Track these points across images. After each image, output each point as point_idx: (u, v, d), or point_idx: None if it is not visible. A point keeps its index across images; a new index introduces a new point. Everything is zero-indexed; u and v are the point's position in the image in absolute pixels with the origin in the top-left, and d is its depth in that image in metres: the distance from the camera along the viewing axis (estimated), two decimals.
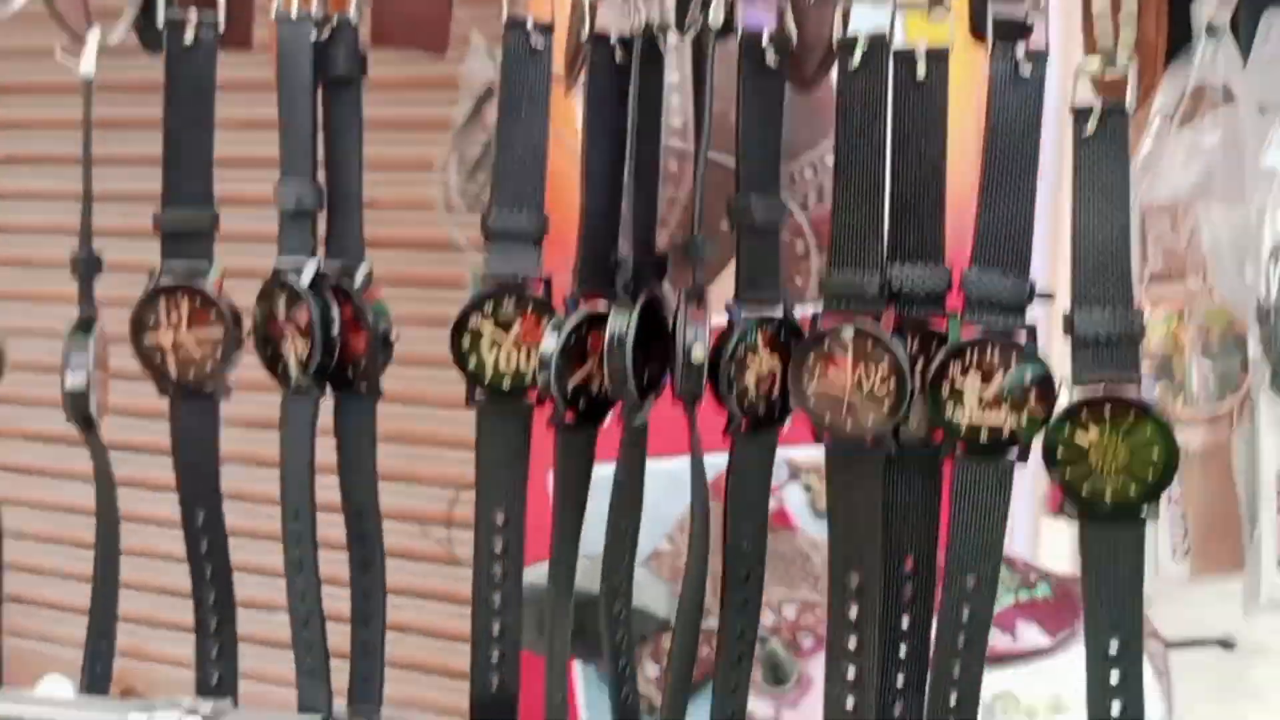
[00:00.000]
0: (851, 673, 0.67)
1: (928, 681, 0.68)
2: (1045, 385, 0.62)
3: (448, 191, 3.01)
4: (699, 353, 0.63)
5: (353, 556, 0.74)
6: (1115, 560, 0.63)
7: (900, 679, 0.69)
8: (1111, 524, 0.63)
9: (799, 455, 2.71)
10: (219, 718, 0.71)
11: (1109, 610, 0.64)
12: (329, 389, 0.72)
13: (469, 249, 2.98)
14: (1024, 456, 0.64)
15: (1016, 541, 2.45)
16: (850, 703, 0.68)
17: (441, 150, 3.01)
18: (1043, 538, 2.38)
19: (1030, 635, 1.87)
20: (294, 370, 0.69)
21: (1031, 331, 0.62)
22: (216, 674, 0.76)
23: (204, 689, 0.76)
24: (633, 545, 0.71)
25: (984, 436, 0.63)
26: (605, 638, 0.71)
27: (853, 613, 0.67)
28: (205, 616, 0.75)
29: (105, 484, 0.74)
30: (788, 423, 0.68)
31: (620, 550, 0.70)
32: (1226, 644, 2.35)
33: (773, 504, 2.47)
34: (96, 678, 0.76)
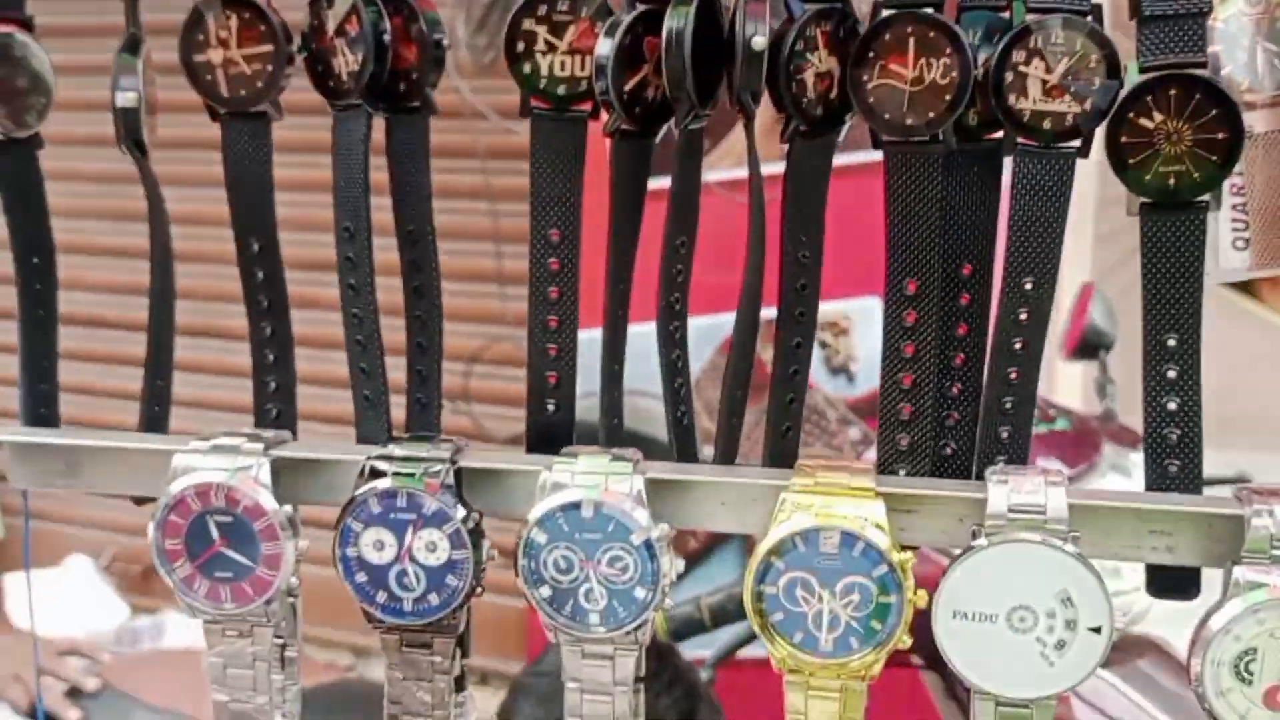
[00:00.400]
0: (907, 381, 0.68)
1: (983, 386, 0.68)
2: (1110, 68, 0.62)
3: (457, 50, 2.98)
4: (759, 42, 0.62)
5: (407, 282, 0.74)
6: (1176, 249, 0.63)
7: (955, 388, 0.69)
8: (1173, 212, 0.63)
9: None
10: (279, 446, 0.71)
11: (1168, 303, 0.64)
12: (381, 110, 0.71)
13: (492, 115, 2.96)
14: (1086, 148, 0.64)
15: None
16: (905, 412, 0.68)
17: (447, 11, 2.98)
18: (1058, 380, 2.40)
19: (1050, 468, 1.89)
20: (345, 83, 0.68)
21: (1097, 11, 0.62)
22: (275, 409, 0.76)
23: (262, 424, 0.76)
24: (688, 261, 0.71)
25: (1047, 124, 0.63)
26: (661, 355, 0.71)
27: (909, 319, 0.67)
28: (262, 351, 0.75)
29: (159, 213, 0.73)
30: (846, 127, 0.68)
31: (676, 264, 0.70)
32: (1243, 482, 2.35)
33: None
34: (155, 417, 0.76)
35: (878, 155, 0.65)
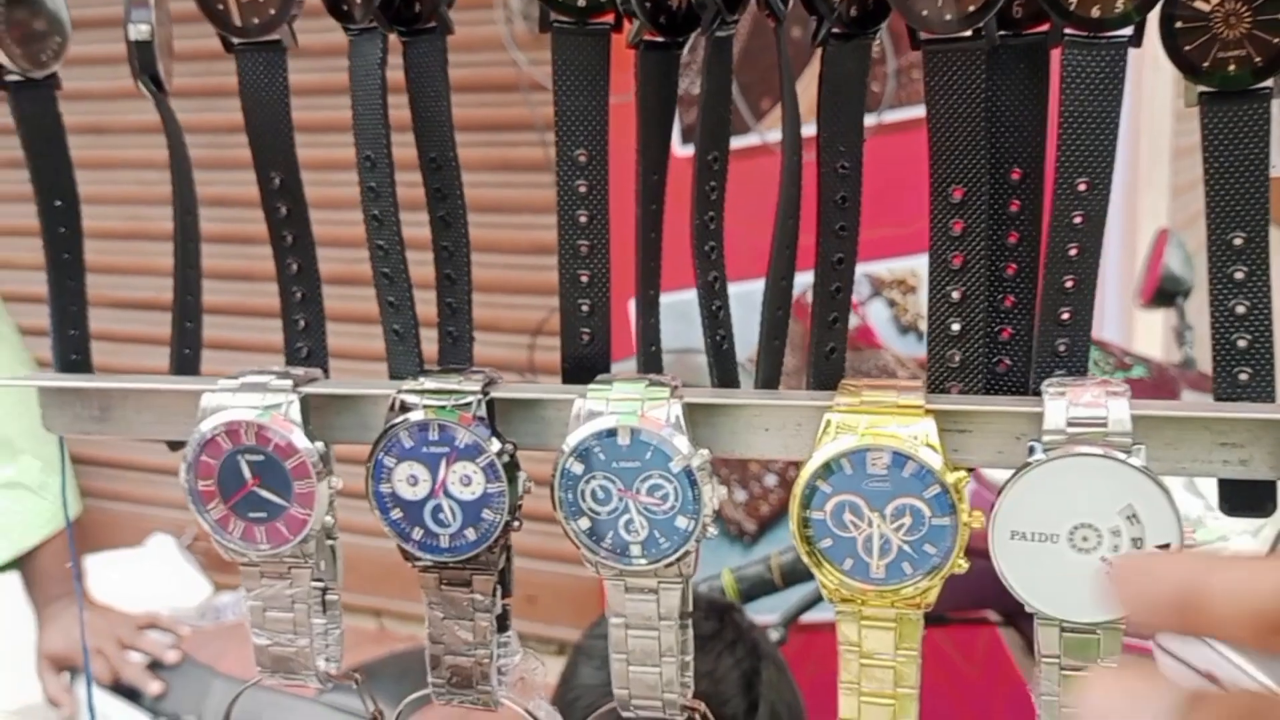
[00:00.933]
0: (956, 294, 0.64)
1: (1038, 299, 0.65)
2: None
3: (512, 21, 2.97)
4: None
5: (433, 213, 0.72)
6: (1238, 140, 0.59)
7: (1008, 300, 0.66)
8: (1234, 100, 0.59)
9: (881, 270, 2.68)
10: (309, 384, 0.70)
11: (1232, 198, 0.60)
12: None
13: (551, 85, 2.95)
14: (1138, 38, 0.60)
15: (1109, 330, 2.41)
16: (955, 327, 0.65)
17: None
18: (1136, 329, 2.33)
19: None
20: (358, 5, 0.66)
21: None
22: (305, 348, 0.74)
23: (292, 363, 0.75)
24: (722, 178, 0.68)
25: (1095, 12, 0.59)
26: (698, 277, 0.69)
27: (956, 228, 0.64)
28: (289, 288, 0.73)
29: (179, 154, 0.72)
30: (880, 31, 0.64)
31: (709, 180, 0.67)
32: None
33: (855, 321, 2.46)
34: (185, 360, 0.75)
35: None
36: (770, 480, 2.80)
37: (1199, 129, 0.60)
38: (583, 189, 0.67)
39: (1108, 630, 0.60)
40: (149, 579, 3.19)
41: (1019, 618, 1.78)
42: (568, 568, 3.44)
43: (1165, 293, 2.10)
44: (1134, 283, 2.18)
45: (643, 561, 0.64)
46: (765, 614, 1.82)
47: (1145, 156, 2.83)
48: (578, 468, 0.64)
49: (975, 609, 1.83)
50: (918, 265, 2.58)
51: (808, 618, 1.86)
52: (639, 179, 0.67)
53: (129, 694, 1.92)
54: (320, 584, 0.72)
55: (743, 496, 2.89)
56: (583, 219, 0.68)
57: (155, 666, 1.96)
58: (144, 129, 3.59)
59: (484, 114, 3.29)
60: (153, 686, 1.92)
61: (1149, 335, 2.34)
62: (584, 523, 0.64)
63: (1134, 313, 2.23)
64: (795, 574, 1.83)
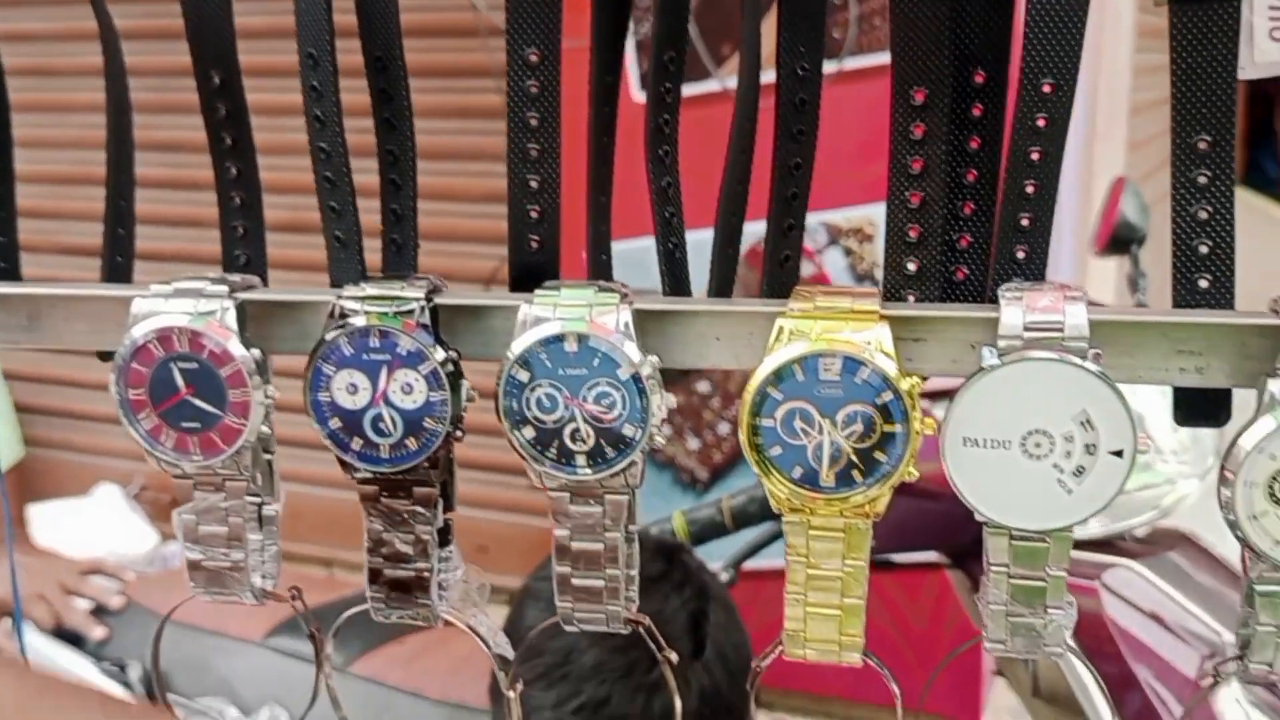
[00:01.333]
0: (915, 199, 0.63)
1: (998, 201, 0.63)
2: None
3: None
4: None
5: (377, 116, 0.69)
6: (1206, 41, 0.58)
7: (968, 207, 0.64)
8: (1204, 1, 0.58)
9: (838, 218, 2.67)
10: (246, 290, 0.67)
11: (1198, 101, 0.59)
12: None
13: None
14: None
15: (1063, 278, 2.41)
16: (912, 234, 0.63)
17: None
18: (1090, 277, 2.34)
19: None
20: None
21: None
22: (244, 256, 0.72)
23: (230, 271, 0.72)
24: (678, 78, 0.66)
25: None
26: (651, 182, 0.67)
27: (917, 132, 0.62)
28: (227, 193, 0.71)
29: (113, 46, 0.69)
30: None
31: (664, 81, 0.65)
32: None
33: (811, 269, 2.45)
34: (117, 268, 0.72)
35: None
36: (723, 428, 2.80)
37: (1167, 30, 0.58)
38: (534, 90, 0.65)
39: (1057, 537, 0.59)
40: (96, 527, 3.15)
41: (966, 559, 1.79)
42: (518, 517, 3.42)
43: (1120, 240, 2.11)
44: (1088, 231, 2.18)
45: (588, 472, 0.63)
46: (715, 560, 1.82)
47: (1104, 111, 2.83)
48: (523, 375, 0.62)
49: (922, 551, 1.84)
50: (875, 214, 2.57)
51: (757, 564, 1.86)
52: (592, 79, 0.65)
53: (72, 639, 1.89)
54: (256, 499, 0.70)
55: (696, 444, 2.89)
56: (533, 121, 0.65)
57: (100, 612, 1.93)
58: (91, 71, 3.51)
59: (440, 59, 3.24)
60: (96, 631, 1.89)
61: (1102, 283, 2.34)
62: (529, 432, 0.63)
63: (1087, 261, 2.24)
64: (746, 516, 1.83)
